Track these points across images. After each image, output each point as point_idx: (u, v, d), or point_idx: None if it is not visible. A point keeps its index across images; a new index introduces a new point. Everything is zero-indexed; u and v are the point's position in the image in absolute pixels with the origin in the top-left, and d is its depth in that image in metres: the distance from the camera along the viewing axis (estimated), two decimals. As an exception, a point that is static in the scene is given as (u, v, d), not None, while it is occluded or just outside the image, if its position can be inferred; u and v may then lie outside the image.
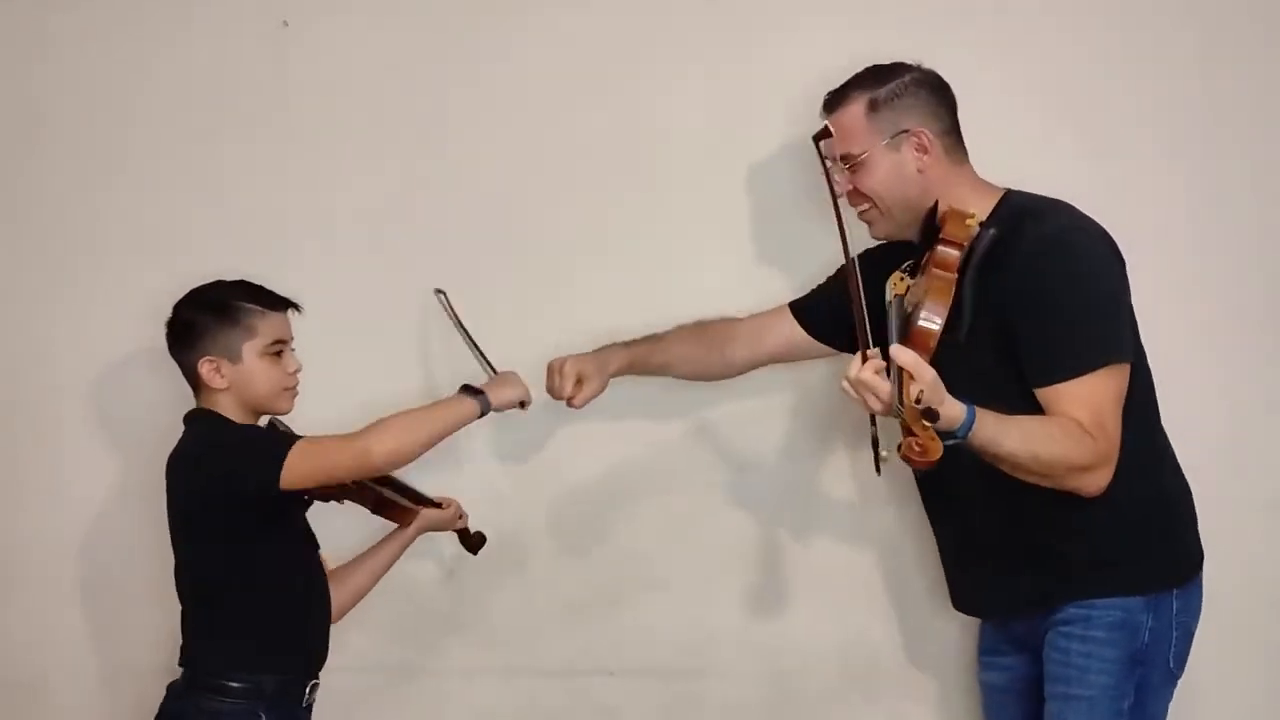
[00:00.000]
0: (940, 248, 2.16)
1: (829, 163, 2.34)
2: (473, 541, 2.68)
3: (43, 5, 2.79)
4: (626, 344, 2.59)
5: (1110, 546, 2.26)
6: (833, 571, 2.78)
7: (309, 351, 2.42)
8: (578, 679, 2.78)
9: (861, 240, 2.41)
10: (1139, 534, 2.26)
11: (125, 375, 2.74)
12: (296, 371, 2.39)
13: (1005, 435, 2.07)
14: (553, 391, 2.51)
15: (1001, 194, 2.32)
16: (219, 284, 2.39)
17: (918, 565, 2.77)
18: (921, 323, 2.08)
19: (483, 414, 2.36)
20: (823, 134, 2.35)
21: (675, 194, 2.79)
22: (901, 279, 2.32)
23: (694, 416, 2.78)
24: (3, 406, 2.80)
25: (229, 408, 2.34)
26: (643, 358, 2.59)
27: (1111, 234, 2.29)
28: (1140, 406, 2.27)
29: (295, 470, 2.21)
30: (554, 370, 2.51)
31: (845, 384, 2.02)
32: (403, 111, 2.80)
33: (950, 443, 1.96)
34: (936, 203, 2.26)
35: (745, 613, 2.78)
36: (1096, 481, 2.17)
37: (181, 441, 2.34)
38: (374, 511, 2.51)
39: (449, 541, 2.74)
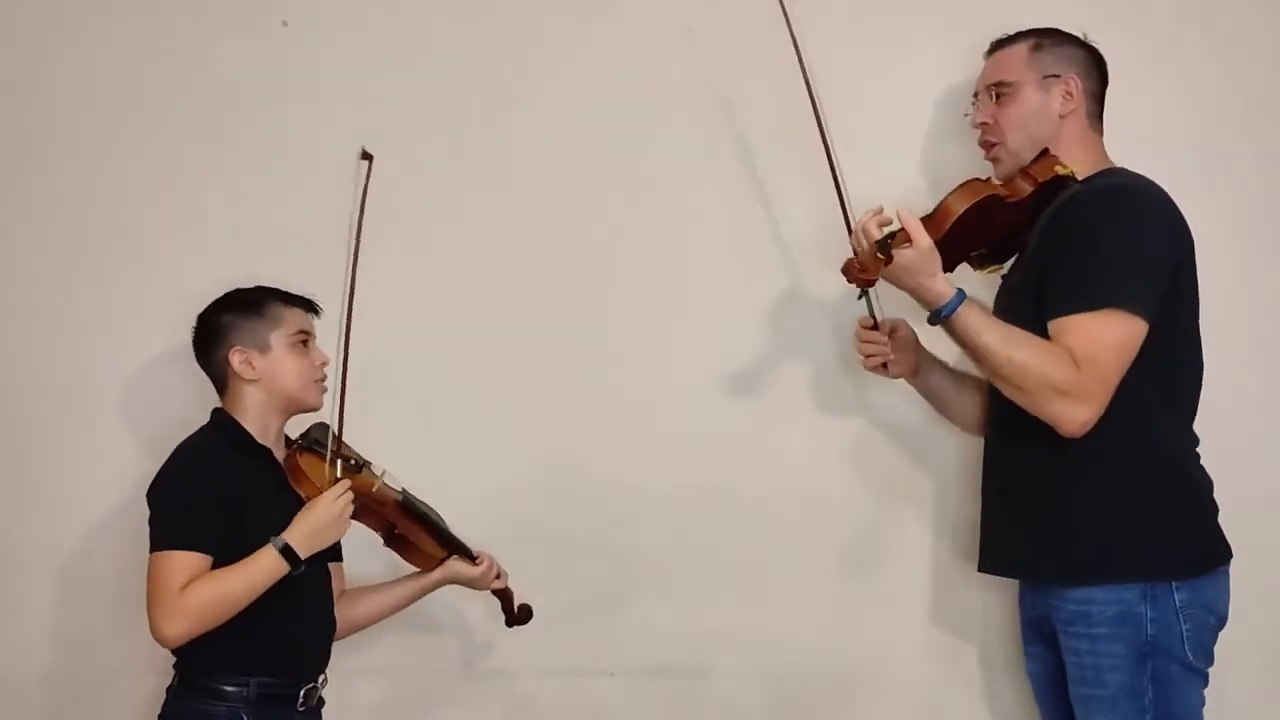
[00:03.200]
0: (1017, 177, 2.35)
1: (974, 101, 2.50)
2: (517, 614, 2.60)
3: (44, 7, 2.80)
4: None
5: (1102, 525, 2.25)
6: (833, 571, 2.77)
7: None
8: (578, 679, 2.78)
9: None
10: (1135, 520, 2.25)
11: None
12: (324, 364, 2.43)
13: (987, 329, 2.22)
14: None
15: (1109, 167, 2.40)
16: (239, 289, 2.44)
17: (919, 566, 2.77)
18: (943, 202, 2.28)
19: (294, 570, 2.26)
20: None
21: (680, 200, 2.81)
22: None
23: (694, 416, 2.78)
24: (27, 408, 2.80)
25: (257, 402, 2.37)
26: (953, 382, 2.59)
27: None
28: (1164, 389, 2.27)
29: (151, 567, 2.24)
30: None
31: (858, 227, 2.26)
32: (402, 111, 2.80)
33: (936, 322, 2.24)
34: (1046, 148, 2.37)
35: (745, 613, 2.77)
36: (1075, 415, 2.19)
37: (190, 437, 2.37)
38: (386, 543, 2.48)
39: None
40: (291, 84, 2.80)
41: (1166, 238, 2.26)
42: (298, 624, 2.34)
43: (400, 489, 2.47)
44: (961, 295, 2.23)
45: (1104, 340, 2.18)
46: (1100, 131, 2.45)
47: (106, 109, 2.81)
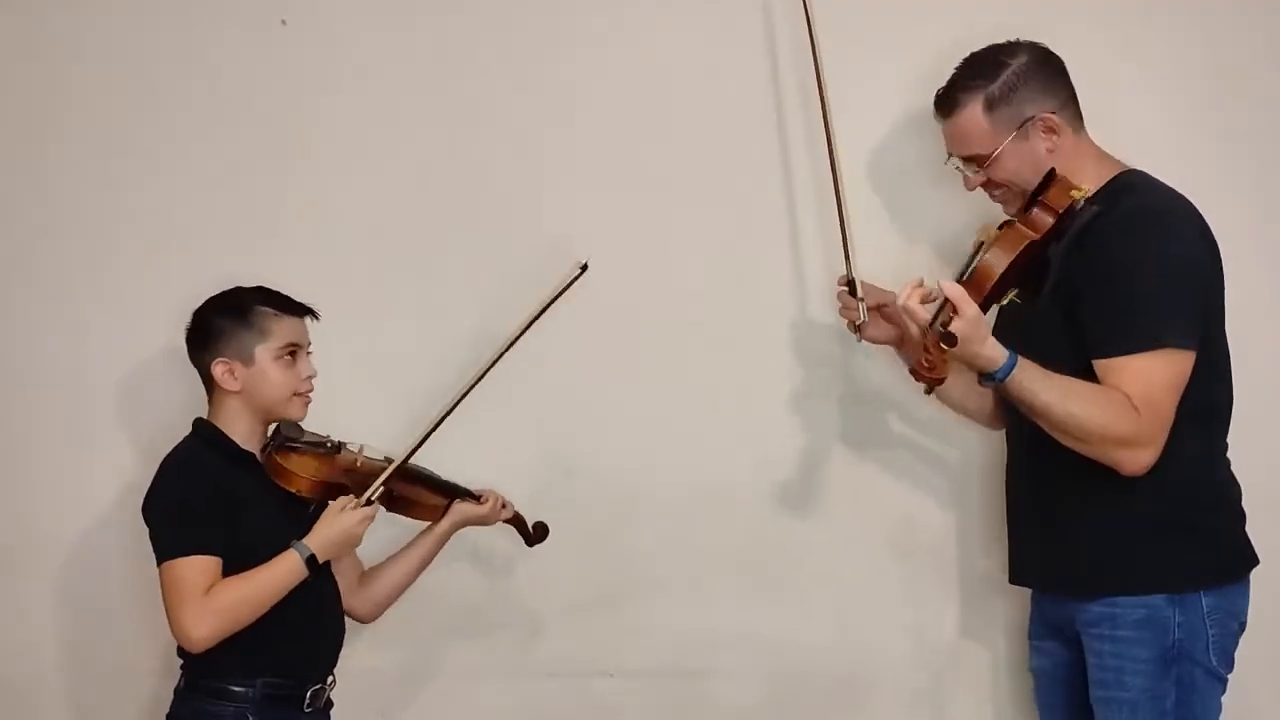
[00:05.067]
0: (1036, 210, 2.20)
1: (954, 159, 2.41)
2: (534, 534, 2.62)
3: (42, 7, 2.78)
4: None
5: (1130, 539, 2.24)
6: (833, 572, 2.78)
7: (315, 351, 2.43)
8: (578, 679, 2.78)
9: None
10: (1164, 532, 2.23)
11: (144, 377, 2.74)
12: (310, 377, 2.40)
13: (1046, 388, 2.14)
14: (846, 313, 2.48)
15: (1119, 171, 2.33)
16: (238, 289, 2.42)
17: (920, 567, 2.77)
18: (981, 263, 2.15)
19: (313, 573, 2.27)
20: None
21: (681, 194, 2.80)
22: (987, 228, 2.28)
23: (694, 416, 2.78)
24: (21, 407, 2.78)
25: (239, 412, 2.36)
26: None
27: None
28: (1193, 401, 2.22)
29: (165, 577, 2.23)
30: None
31: (900, 307, 2.14)
32: (402, 110, 2.79)
33: (989, 384, 2.16)
34: (1053, 169, 2.25)
35: (745, 613, 2.78)
36: (1138, 459, 2.16)
37: (176, 448, 2.36)
38: (389, 509, 2.47)
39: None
40: (291, 82, 2.79)
41: (1198, 259, 2.22)
42: (304, 625, 2.34)
43: (382, 456, 2.46)
44: (1014, 358, 2.13)
45: (1159, 380, 2.15)
46: (1083, 124, 2.36)
47: (103, 108, 2.79)
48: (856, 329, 2.46)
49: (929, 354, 2.08)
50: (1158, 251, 2.18)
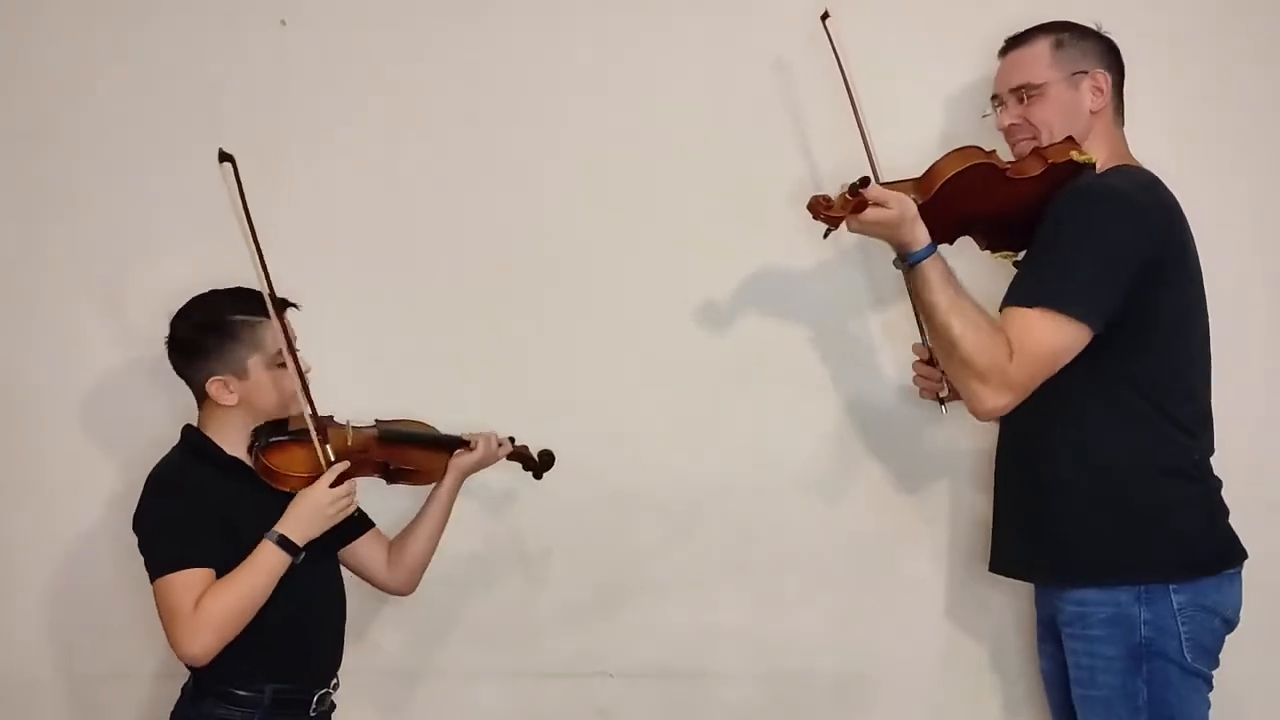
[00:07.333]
0: (1030, 156, 2.32)
1: (995, 103, 2.45)
2: (538, 464, 2.59)
3: (38, 6, 2.78)
4: None
5: (1089, 527, 2.25)
6: (833, 572, 2.78)
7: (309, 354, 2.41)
8: (578, 679, 2.78)
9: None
10: (1123, 521, 2.24)
11: (123, 381, 2.74)
12: (305, 373, 2.34)
13: (943, 290, 2.21)
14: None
15: (1122, 164, 2.36)
16: (214, 296, 2.34)
17: (922, 565, 2.77)
18: (935, 164, 2.26)
19: (295, 559, 2.22)
20: (826, 14, 2.50)
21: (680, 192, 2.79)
22: None
23: (694, 416, 2.78)
24: (17, 407, 2.78)
25: (233, 421, 2.32)
26: None
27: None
28: (1156, 392, 2.24)
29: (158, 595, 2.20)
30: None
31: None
32: (401, 110, 2.79)
33: (901, 266, 2.24)
34: (1071, 136, 2.33)
35: (745, 613, 2.78)
36: (986, 401, 2.20)
37: (162, 460, 2.32)
38: (391, 482, 2.45)
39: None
40: (291, 82, 2.79)
41: (1133, 242, 2.19)
42: (312, 630, 2.34)
43: (372, 423, 2.44)
44: (933, 250, 2.21)
45: (1041, 341, 2.17)
46: (1122, 125, 2.41)
47: (100, 109, 2.79)
48: (942, 401, 2.51)
49: (832, 197, 2.16)
50: (1079, 223, 2.19)
